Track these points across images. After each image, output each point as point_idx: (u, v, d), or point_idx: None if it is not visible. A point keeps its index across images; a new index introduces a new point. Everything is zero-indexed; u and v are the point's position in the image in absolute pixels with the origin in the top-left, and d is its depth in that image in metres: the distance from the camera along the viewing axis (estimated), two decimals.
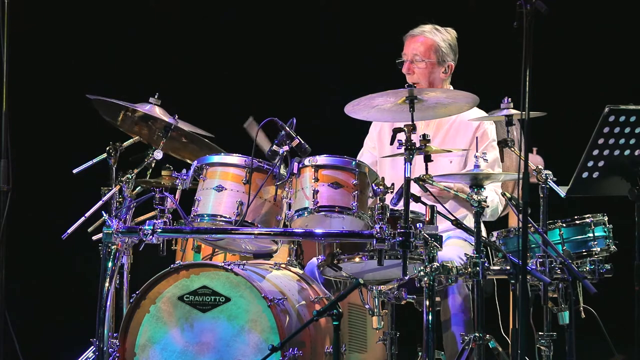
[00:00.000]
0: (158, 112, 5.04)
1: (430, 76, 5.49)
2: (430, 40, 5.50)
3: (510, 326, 4.73)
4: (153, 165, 5.02)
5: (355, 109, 4.78)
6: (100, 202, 4.94)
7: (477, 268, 4.54)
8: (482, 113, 5.34)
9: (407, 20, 5.67)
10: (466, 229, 4.71)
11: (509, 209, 5.38)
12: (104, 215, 4.65)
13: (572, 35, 6.81)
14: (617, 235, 4.94)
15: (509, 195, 4.73)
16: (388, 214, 4.54)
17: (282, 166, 4.73)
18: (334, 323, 4.28)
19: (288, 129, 4.71)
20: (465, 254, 4.67)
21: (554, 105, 5.19)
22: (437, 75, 5.51)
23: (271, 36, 7.19)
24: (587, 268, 4.78)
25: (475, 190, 4.64)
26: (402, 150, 4.57)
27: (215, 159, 4.78)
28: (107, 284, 4.56)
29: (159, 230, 4.59)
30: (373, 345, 5.19)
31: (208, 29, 7.22)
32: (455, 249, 5.13)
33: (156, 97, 5.08)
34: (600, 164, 4.40)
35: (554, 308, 4.77)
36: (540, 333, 4.82)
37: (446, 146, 5.36)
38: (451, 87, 5.56)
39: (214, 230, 4.71)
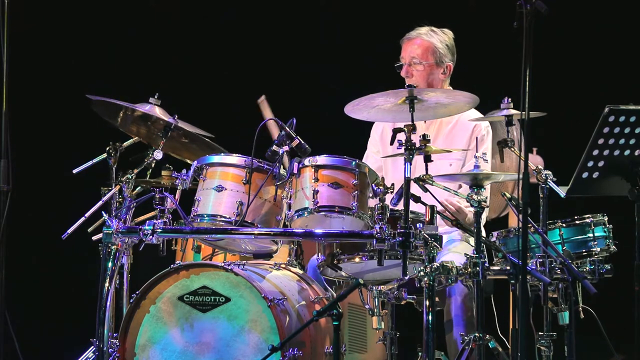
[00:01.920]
0: (158, 112, 5.04)
1: (429, 78, 5.49)
2: (427, 42, 5.50)
3: (510, 326, 4.73)
4: (153, 165, 5.02)
5: (355, 109, 4.78)
6: (100, 202, 4.94)
7: (477, 268, 4.54)
8: (479, 114, 5.35)
9: (407, 20, 5.67)
10: (466, 230, 4.71)
11: (509, 209, 5.38)
12: (104, 215, 4.65)
13: (572, 35, 6.81)
14: (617, 235, 4.94)
15: (509, 195, 4.73)
16: (388, 214, 4.54)
17: (281, 166, 4.73)
18: (334, 323, 4.28)
19: (288, 129, 4.71)
20: (465, 254, 4.67)
21: (554, 105, 5.19)
22: (436, 77, 5.51)
23: (271, 36, 7.19)
24: (587, 268, 4.78)
25: (475, 190, 4.64)
26: (402, 151, 4.57)
27: (215, 159, 4.78)
28: (107, 284, 4.56)
29: (159, 230, 4.59)
30: (373, 345, 5.19)
31: (208, 29, 7.22)
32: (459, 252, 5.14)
33: (156, 97, 5.08)
34: (600, 164, 4.40)
35: (554, 308, 4.77)
36: (540, 333, 4.82)
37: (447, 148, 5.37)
38: (450, 88, 5.56)
39: (214, 230, 4.71)
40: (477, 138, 5.11)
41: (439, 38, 5.50)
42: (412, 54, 5.50)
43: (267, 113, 5.75)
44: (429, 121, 5.46)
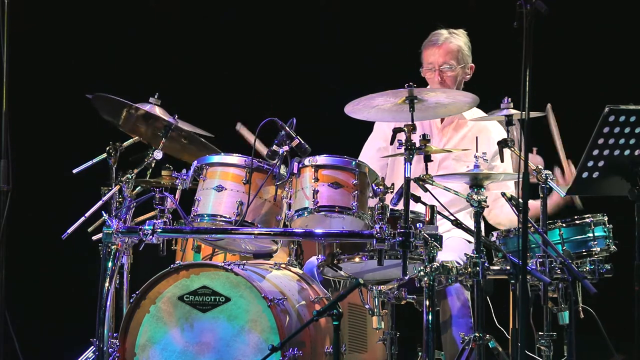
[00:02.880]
0: (158, 112, 5.04)
1: (457, 80, 5.51)
2: (455, 46, 5.51)
3: (510, 326, 4.73)
4: (153, 165, 5.02)
5: (355, 109, 4.79)
6: (100, 202, 4.94)
7: (477, 268, 4.54)
8: (481, 112, 5.35)
9: (408, 20, 5.68)
10: (466, 229, 4.71)
11: None
12: (104, 215, 4.65)
13: (572, 35, 6.81)
14: (617, 235, 4.93)
15: (509, 195, 4.73)
16: (388, 214, 4.54)
17: (282, 166, 4.73)
18: (334, 323, 4.28)
19: (288, 129, 4.71)
20: (465, 254, 4.67)
21: (554, 105, 5.19)
22: (461, 79, 5.54)
23: (271, 36, 7.19)
24: (587, 268, 4.78)
25: (475, 190, 4.64)
26: (402, 150, 4.58)
27: (215, 159, 4.78)
28: (107, 284, 4.56)
29: (159, 230, 4.59)
30: (373, 345, 5.19)
31: (208, 29, 7.22)
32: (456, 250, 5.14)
33: (156, 97, 5.08)
34: (600, 164, 4.40)
35: (554, 308, 4.77)
36: (540, 333, 4.82)
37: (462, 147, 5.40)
38: None
39: (214, 230, 4.71)
40: (477, 137, 5.11)
41: (462, 40, 5.53)
42: (443, 59, 5.50)
43: (250, 136, 5.71)
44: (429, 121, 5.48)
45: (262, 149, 4.95)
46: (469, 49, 5.57)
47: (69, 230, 4.86)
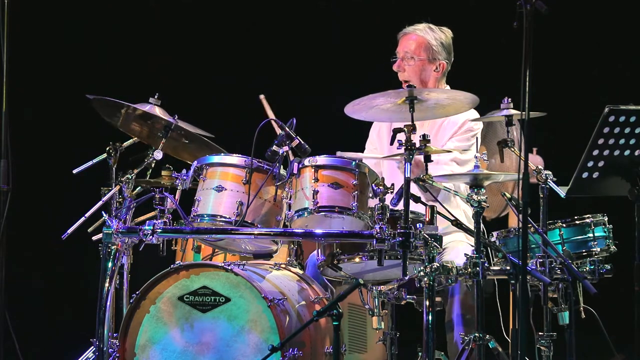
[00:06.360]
0: (158, 112, 5.04)
1: (421, 74, 5.49)
2: (422, 38, 5.50)
3: (510, 326, 4.73)
4: (153, 165, 5.02)
5: (355, 109, 4.78)
6: (100, 202, 4.94)
7: (477, 268, 4.54)
8: (477, 114, 5.35)
9: (408, 20, 5.67)
10: (466, 230, 4.71)
11: (509, 209, 5.38)
12: (104, 215, 4.65)
13: (572, 35, 6.81)
14: (617, 235, 4.94)
15: (509, 195, 4.73)
16: (388, 214, 4.54)
17: (281, 166, 4.73)
18: (334, 323, 4.28)
19: (288, 129, 4.71)
20: (465, 254, 4.67)
21: (554, 105, 5.19)
22: (428, 73, 5.51)
23: (271, 36, 7.19)
24: (587, 268, 4.78)
25: (475, 190, 4.64)
26: (401, 150, 4.57)
27: (215, 159, 4.78)
28: (107, 284, 4.56)
29: (159, 230, 4.59)
30: (373, 345, 5.19)
31: (208, 28, 7.22)
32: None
33: (156, 97, 5.08)
34: (600, 164, 4.40)
35: (554, 308, 4.77)
36: (540, 333, 4.82)
37: (436, 144, 5.37)
38: (448, 88, 5.55)
39: (214, 230, 4.71)
40: (477, 138, 5.11)
41: (435, 35, 5.50)
42: (405, 48, 5.52)
43: (268, 111, 5.73)
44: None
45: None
46: (443, 46, 5.50)
47: (69, 231, 4.86)
